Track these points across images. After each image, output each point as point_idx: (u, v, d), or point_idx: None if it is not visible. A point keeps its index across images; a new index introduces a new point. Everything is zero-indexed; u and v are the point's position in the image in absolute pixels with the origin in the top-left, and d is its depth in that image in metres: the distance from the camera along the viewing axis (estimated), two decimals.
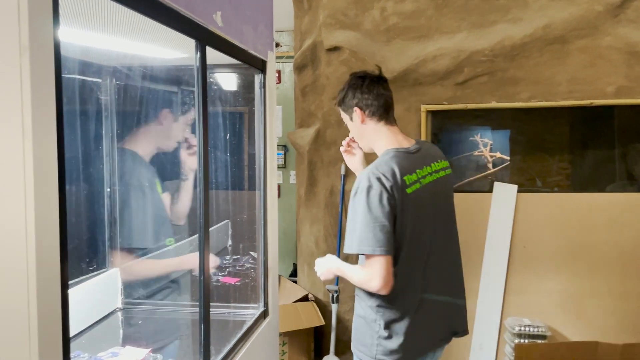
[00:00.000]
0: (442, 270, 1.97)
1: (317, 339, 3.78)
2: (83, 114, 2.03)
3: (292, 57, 4.44)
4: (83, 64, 1.96)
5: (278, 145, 5.34)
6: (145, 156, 2.11)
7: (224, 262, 2.55)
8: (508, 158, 3.72)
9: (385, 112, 1.93)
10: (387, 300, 1.84)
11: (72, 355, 1.06)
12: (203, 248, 1.59)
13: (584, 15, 3.21)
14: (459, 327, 2.06)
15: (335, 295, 3.49)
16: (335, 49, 3.56)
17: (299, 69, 3.80)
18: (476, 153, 3.76)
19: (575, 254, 3.29)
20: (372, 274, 1.76)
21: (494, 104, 3.41)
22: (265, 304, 2.24)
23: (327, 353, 3.64)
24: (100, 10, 1.35)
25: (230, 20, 1.71)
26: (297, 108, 3.89)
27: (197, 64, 1.54)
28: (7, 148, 0.83)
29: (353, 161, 2.17)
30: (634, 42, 3.16)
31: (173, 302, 2.20)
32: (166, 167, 2.25)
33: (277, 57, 4.71)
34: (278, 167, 5.41)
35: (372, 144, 1.97)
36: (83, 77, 2.00)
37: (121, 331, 2.13)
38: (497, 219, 3.36)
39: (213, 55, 1.65)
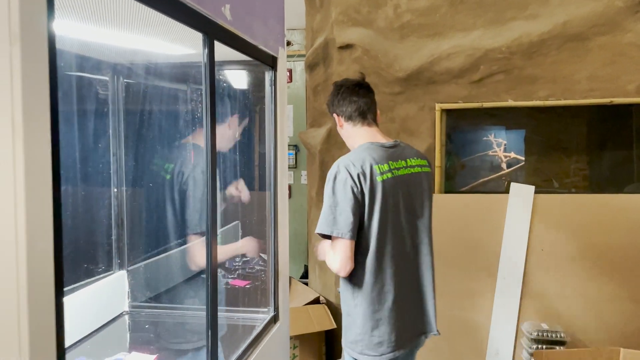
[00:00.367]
0: (412, 264, 2.01)
1: (328, 342, 3.71)
2: (98, 115, 1.99)
3: (303, 55, 4.39)
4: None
5: (289, 145, 5.29)
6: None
7: (234, 264, 2.50)
8: (522, 158, 3.64)
9: (360, 116, 2.07)
10: (362, 295, 1.91)
11: None
12: (210, 249, 1.54)
13: (604, 11, 3.13)
14: (426, 327, 2.05)
15: None
16: (347, 46, 3.50)
17: (311, 67, 3.74)
18: (490, 153, 3.68)
19: (594, 257, 3.20)
20: (333, 256, 1.88)
21: (510, 102, 3.33)
22: (276, 309, 2.17)
23: (339, 357, 3.57)
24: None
25: (240, 14, 1.65)
26: (308, 107, 3.84)
27: (205, 59, 1.47)
28: None
29: None
30: None
31: (180, 305, 2.15)
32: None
33: (289, 56, 4.65)
34: (289, 167, 5.35)
35: (353, 143, 2.10)
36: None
37: (128, 335, 2.09)
38: (514, 221, 3.27)
39: (222, 51, 1.59)
